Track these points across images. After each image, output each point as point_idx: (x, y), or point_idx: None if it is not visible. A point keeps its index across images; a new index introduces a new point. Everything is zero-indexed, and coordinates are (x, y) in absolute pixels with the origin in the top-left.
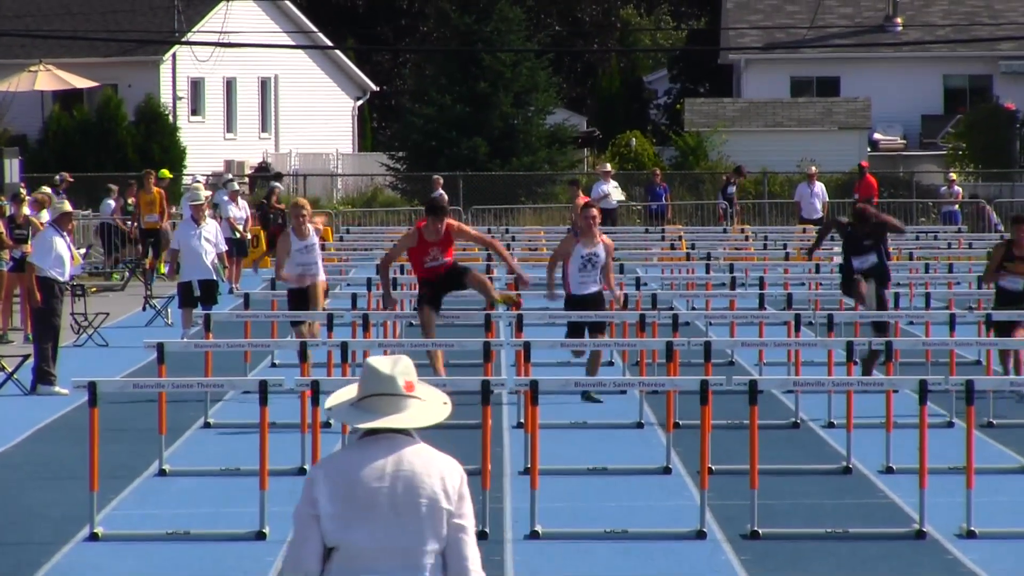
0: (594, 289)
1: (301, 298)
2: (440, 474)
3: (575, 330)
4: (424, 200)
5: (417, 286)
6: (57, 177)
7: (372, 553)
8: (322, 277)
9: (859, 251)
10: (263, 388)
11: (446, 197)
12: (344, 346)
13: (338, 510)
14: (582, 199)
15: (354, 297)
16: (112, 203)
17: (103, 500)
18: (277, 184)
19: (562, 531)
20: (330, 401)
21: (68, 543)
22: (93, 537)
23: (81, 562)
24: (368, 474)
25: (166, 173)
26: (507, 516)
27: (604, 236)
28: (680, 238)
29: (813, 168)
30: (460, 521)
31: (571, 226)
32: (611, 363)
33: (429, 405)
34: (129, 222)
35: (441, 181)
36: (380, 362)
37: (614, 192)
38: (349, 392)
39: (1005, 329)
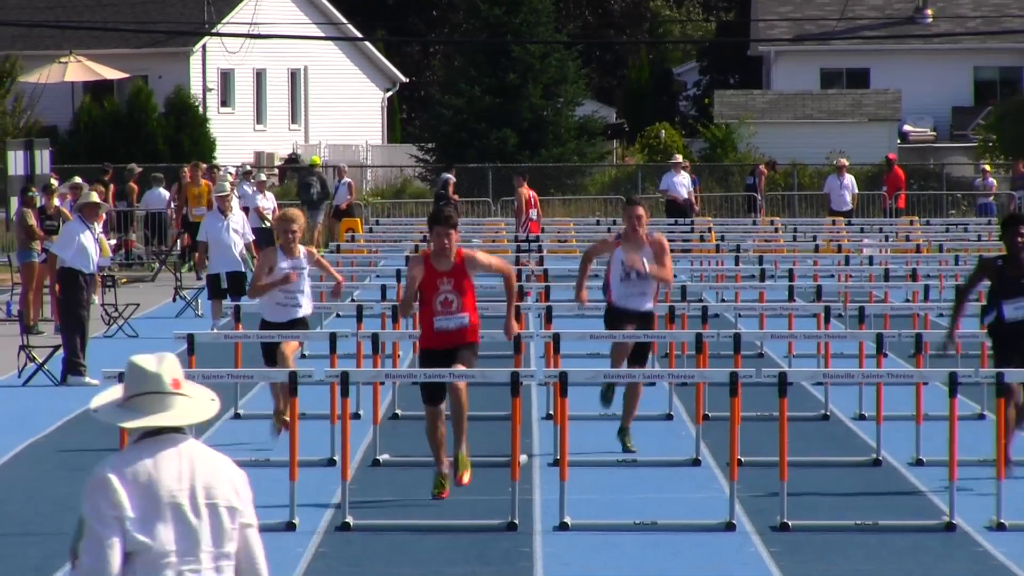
0: (641, 306)
1: (273, 329)
2: (228, 475)
3: (617, 353)
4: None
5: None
6: (77, 179)
7: (176, 555)
8: (308, 310)
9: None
10: (292, 379)
11: (453, 180)
12: (375, 337)
13: (140, 513)
14: (525, 190)
15: (383, 288)
16: (167, 193)
17: None
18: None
19: (591, 523)
20: (95, 401)
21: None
22: None
23: None
24: (166, 476)
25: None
26: (536, 508)
27: (654, 235)
28: (710, 230)
29: (843, 160)
30: (248, 520)
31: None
32: (669, 416)
33: (197, 402)
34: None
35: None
36: (145, 360)
37: (682, 183)
38: (115, 392)
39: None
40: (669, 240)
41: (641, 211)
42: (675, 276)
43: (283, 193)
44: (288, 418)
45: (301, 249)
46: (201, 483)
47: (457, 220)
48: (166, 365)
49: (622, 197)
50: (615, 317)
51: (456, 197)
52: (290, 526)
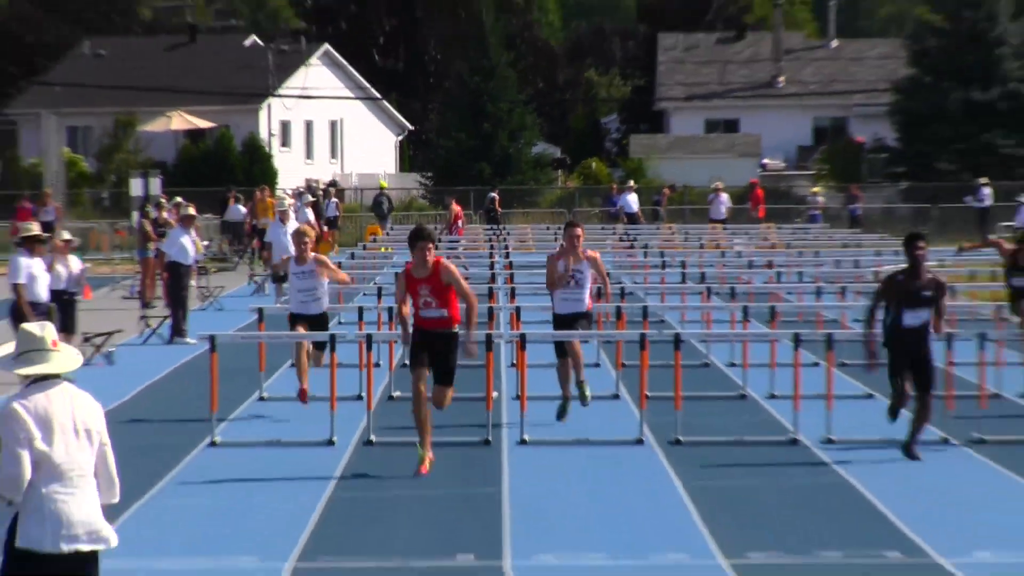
0: (579, 309)
1: (300, 322)
2: (94, 408)
3: (560, 351)
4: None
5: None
6: (179, 200)
7: (65, 463)
8: (324, 305)
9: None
10: (332, 340)
11: (498, 197)
12: (390, 310)
13: (41, 433)
14: (455, 207)
15: (397, 275)
16: (243, 208)
17: (222, 417)
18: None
19: (542, 439)
20: (14, 362)
21: (195, 448)
22: (212, 444)
23: (204, 462)
24: (57, 408)
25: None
26: (504, 430)
27: (589, 251)
28: (627, 233)
29: (719, 184)
30: (105, 439)
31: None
32: (596, 364)
33: (67, 355)
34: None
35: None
36: (32, 327)
37: (634, 201)
38: (7, 349)
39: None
40: (600, 240)
41: (579, 231)
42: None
43: (348, 208)
44: (307, 391)
45: (311, 256)
46: (79, 413)
47: (435, 236)
48: (47, 331)
49: (565, 211)
50: (559, 322)
51: (500, 209)
52: (330, 443)
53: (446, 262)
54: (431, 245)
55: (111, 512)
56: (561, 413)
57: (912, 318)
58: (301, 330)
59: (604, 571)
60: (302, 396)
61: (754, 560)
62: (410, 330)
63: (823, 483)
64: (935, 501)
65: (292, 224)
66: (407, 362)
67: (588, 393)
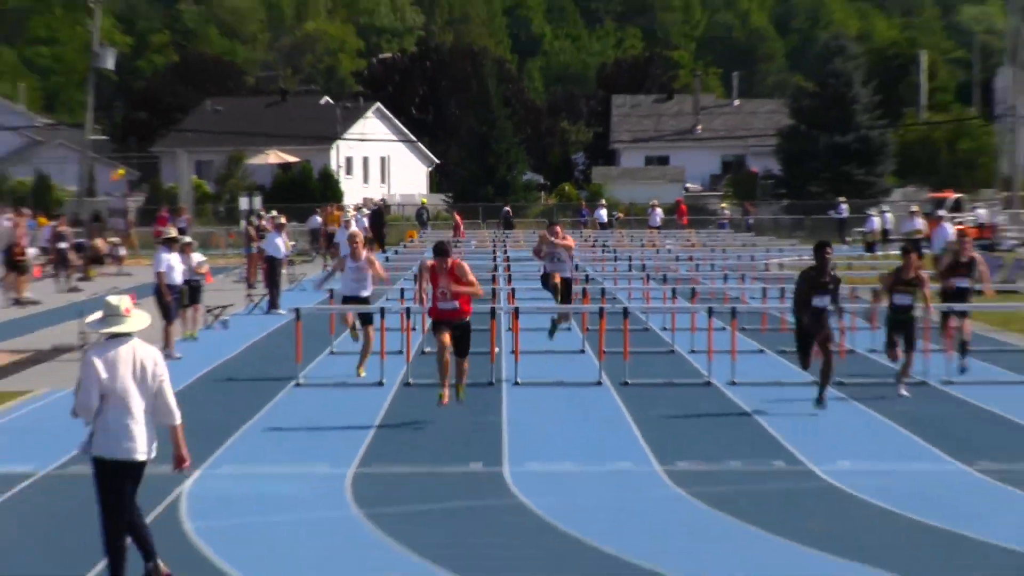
0: (563, 272)
1: (351, 303)
2: (153, 355)
3: (546, 285)
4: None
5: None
6: (274, 212)
7: (125, 396)
8: (369, 291)
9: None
10: (382, 311)
11: (457, 219)
12: (407, 315)
13: (108, 375)
14: (457, 217)
15: (422, 262)
16: (319, 219)
17: (304, 366)
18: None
19: (531, 381)
20: (88, 319)
21: (285, 388)
22: (297, 385)
23: (292, 397)
24: (123, 356)
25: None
26: (503, 372)
27: (568, 238)
28: (596, 239)
29: (655, 201)
30: (163, 376)
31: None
32: (568, 328)
33: (137, 320)
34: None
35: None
36: (112, 299)
37: (604, 214)
38: (96, 315)
39: (899, 327)
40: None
41: (558, 228)
42: (576, 262)
43: (392, 219)
44: (365, 368)
45: (363, 253)
46: (139, 359)
47: (450, 250)
48: (123, 301)
49: (546, 220)
50: (547, 275)
51: (514, 222)
52: (380, 384)
53: (460, 261)
54: (448, 259)
55: (222, 429)
56: (551, 332)
57: (819, 301)
58: (367, 327)
59: (574, 474)
60: (353, 333)
61: (680, 467)
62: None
63: (729, 412)
64: (808, 425)
65: (352, 228)
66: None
67: (567, 324)
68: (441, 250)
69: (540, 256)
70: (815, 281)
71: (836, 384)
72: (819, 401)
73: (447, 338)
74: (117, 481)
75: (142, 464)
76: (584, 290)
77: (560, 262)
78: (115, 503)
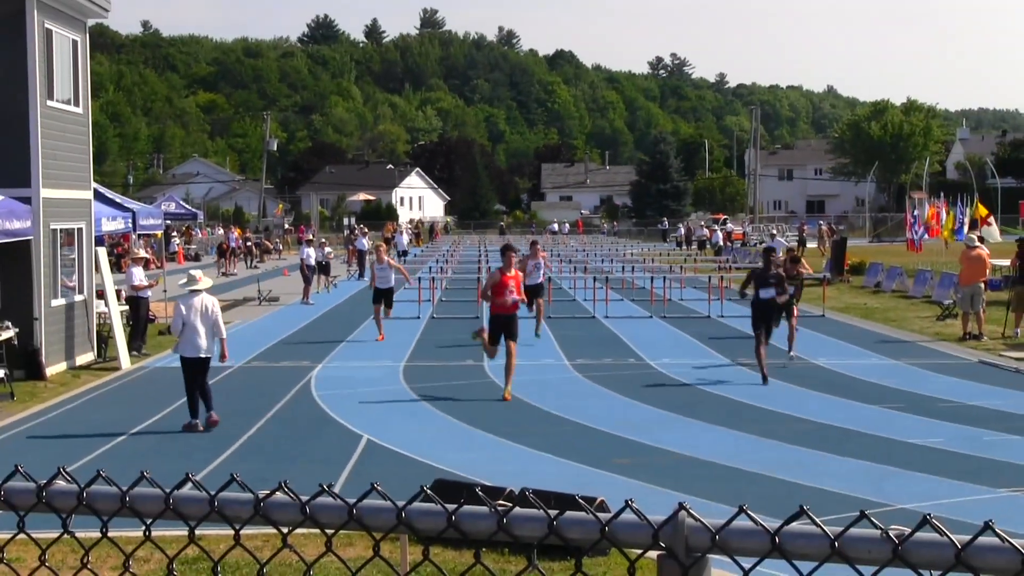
0: (536, 280)
1: (381, 293)
2: (214, 302)
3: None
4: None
5: (491, 316)
6: (361, 224)
7: (196, 324)
8: (392, 283)
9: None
10: (419, 280)
11: (437, 227)
12: (433, 280)
13: (187, 312)
14: (437, 226)
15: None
16: (365, 241)
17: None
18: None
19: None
20: (180, 283)
21: (364, 322)
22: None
23: (369, 326)
24: (196, 302)
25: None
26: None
27: (543, 253)
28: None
29: (567, 222)
30: (217, 313)
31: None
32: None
33: (205, 283)
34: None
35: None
36: (194, 272)
37: (556, 227)
38: (183, 280)
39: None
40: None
41: (538, 243)
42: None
43: (416, 231)
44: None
45: (387, 259)
46: (207, 304)
47: (516, 249)
48: (200, 273)
49: (507, 235)
50: (527, 288)
51: (507, 230)
52: (417, 317)
53: (518, 271)
54: (513, 254)
55: (332, 342)
56: (536, 331)
57: (764, 293)
58: (386, 308)
59: (522, 365)
60: (380, 336)
61: (580, 362)
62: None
63: (603, 332)
64: (647, 339)
65: (403, 239)
66: (444, 298)
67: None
68: (510, 248)
69: (523, 271)
70: (761, 275)
71: (662, 317)
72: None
73: (496, 347)
74: (190, 367)
75: (208, 360)
76: (548, 280)
77: (536, 272)
78: (190, 379)
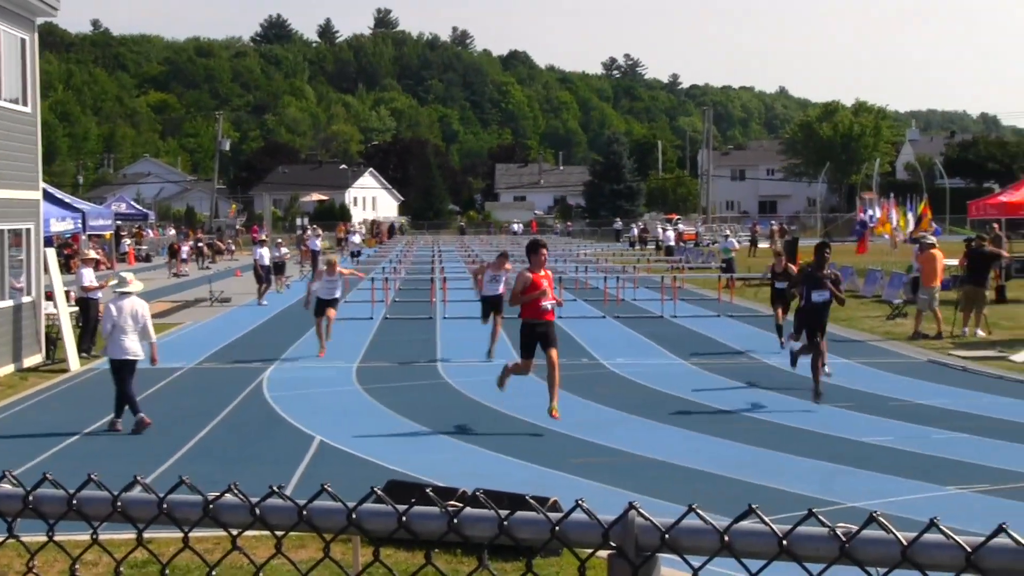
0: (495, 292)
1: (324, 303)
2: (142, 305)
3: (485, 313)
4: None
5: (522, 324)
6: (315, 226)
7: (125, 331)
8: (339, 295)
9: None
10: (373, 280)
11: (383, 227)
12: (386, 280)
13: (117, 315)
14: (383, 226)
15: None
16: (318, 242)
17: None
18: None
19: (454, 316)
20: (111, 284)
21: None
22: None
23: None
24: (126, 304)
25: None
26: (439, 313)
27: (510, 266)
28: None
29: (521, 221)
30: (148, 317)
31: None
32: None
33: (135, 286)
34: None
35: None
36: (124, 274)
37: (516, 227)
38: (114, 282)
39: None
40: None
41: (506, 261)
42: (479, 256)
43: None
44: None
45: (337, 270)
46: (135, 306)
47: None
48: (131, 276)
49: (466, 235)
50: (484, 300)
51: (466, 231)
52: (371, 318)
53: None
54: (546, 251)
55: (287, 342)
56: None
57: (818, 296)
58: (328, 311)
59: (473, 364)
60: (320, 353)
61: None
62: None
63: (568, 338)
64: (600, 333)
65: (355, 239)
66: (398, 298)
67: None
68: (540, 243)
69: (478, 276)
70: (813, 276)
71: (616, 317)
72: (815, 395)
73: (531, 363)
74: (118, 369)
75: (135, 362)
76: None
77: (497, 283)
78: (119, 380)
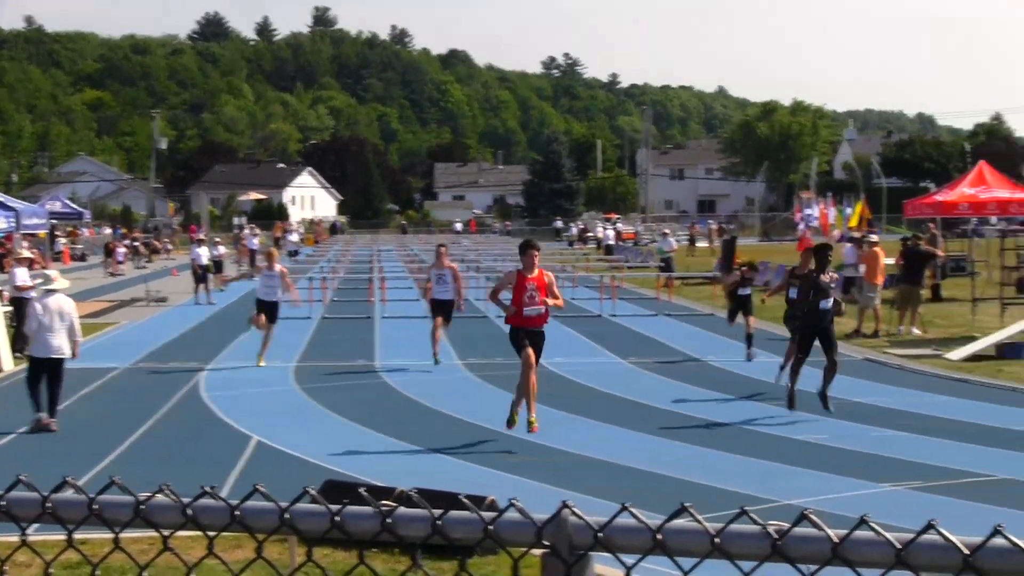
0: (445, 296)
1: (263, 305)
2: (69, 303)
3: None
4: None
5: (510, 330)
6: (252, 225)
7: (51, 329)
8: (279, 297)
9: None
10: (311, 280)
11: (323, 229)
12: (324, 280)
13: (41, 311)
14: (320, 227)
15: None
16: (256, 241)
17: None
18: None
19: (392, 316)
20: (34, 282)
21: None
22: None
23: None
24: (51, 302)
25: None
26: (377, 313)
27: (450, 263)
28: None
29: (460, 220)
30: (74, 316)
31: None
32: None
33: (61, 283)
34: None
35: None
36: (49, 272)
37: (458, 226)
38: (39, 280)
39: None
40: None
41: (444, 248)
42: (420, 258)
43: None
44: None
45: (277, 267)
46: (61, 304)
47: (540, 246)
48: (55, 273)
49: (408, 234)
50: (434, 304)
51: (407, 230)
52: (308, 318)
53: (546, 270)
54: (537, 253)
55: (223, 341)
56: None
57: (824, 304)
58: (262, 314)
59: (412, 365)
60: (259, 360)
61: (471, 361)
62: (507, 305)
63: (506, 337)
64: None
65: (292, 238)
66: (336, 297)
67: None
68: (531, 244)
69: (429, 285)
70: (816, 283)
71: (553, 315)
72: (823, 400)
73: (532, 354)
74: (41, 367)
75: (61, 361)
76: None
77: (446, 283)
78: (36, 379)
